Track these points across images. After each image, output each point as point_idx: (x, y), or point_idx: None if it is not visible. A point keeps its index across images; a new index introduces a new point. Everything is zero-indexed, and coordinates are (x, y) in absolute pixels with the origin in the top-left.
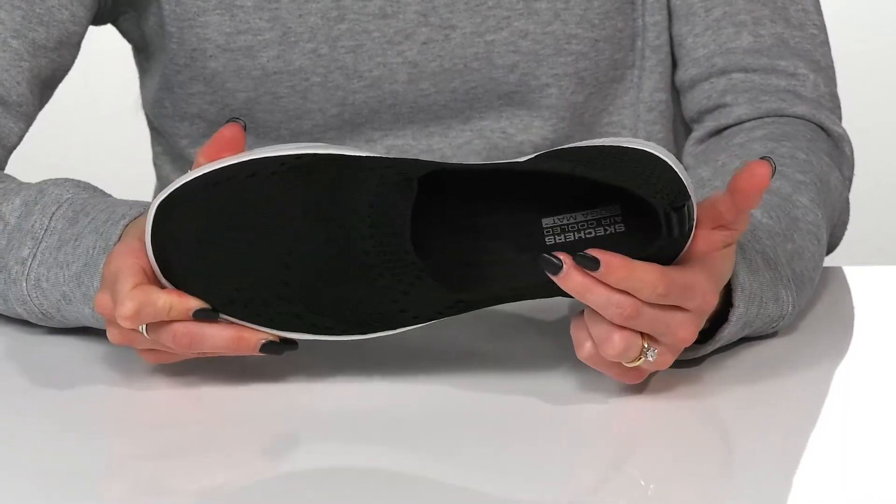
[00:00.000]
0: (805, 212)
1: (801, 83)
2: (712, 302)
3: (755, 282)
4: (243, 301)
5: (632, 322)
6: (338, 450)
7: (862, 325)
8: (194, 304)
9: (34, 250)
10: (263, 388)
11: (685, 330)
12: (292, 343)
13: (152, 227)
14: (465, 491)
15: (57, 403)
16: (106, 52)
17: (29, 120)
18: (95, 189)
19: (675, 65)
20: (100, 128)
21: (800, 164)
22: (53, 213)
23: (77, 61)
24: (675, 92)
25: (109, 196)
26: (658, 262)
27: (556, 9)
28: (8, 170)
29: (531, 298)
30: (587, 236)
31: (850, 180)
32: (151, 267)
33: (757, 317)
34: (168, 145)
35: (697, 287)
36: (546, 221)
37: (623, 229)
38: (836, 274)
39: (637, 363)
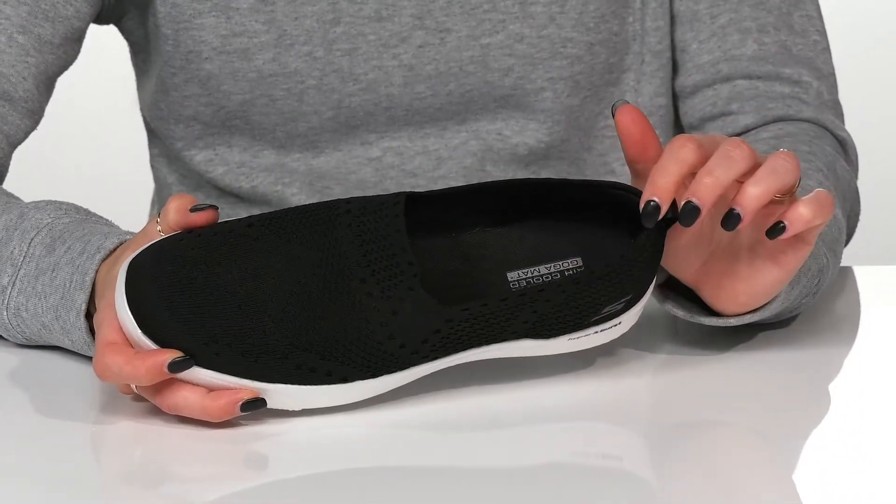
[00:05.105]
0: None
1: (805, 90)
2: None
3: None
4: (227, 341)
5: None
6: (333, 449)
7: (870, 324)
8: (163, 357)
9: (13, 278)
10: None
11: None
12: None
13: (126, 285)
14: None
15: (29, 412)
16: (105, 52)
17: (34, 116)
18: (78, 211)
19: (675, 70)
20: (99, 129)
21: (803, 154)
22: (32, 239)
23: (76, 61)
24: (675, 97)
25: (91, 217)
26: (643, 258)
27: (552, 12)
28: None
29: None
30: (553, 278)
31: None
32: (124, 325)
33: (801, 272)
34: (164, 148)
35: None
36: (511, 275)
37: (583, 268)
38: (845, 273)
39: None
